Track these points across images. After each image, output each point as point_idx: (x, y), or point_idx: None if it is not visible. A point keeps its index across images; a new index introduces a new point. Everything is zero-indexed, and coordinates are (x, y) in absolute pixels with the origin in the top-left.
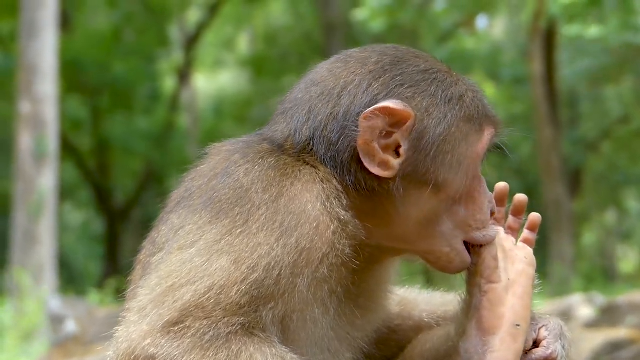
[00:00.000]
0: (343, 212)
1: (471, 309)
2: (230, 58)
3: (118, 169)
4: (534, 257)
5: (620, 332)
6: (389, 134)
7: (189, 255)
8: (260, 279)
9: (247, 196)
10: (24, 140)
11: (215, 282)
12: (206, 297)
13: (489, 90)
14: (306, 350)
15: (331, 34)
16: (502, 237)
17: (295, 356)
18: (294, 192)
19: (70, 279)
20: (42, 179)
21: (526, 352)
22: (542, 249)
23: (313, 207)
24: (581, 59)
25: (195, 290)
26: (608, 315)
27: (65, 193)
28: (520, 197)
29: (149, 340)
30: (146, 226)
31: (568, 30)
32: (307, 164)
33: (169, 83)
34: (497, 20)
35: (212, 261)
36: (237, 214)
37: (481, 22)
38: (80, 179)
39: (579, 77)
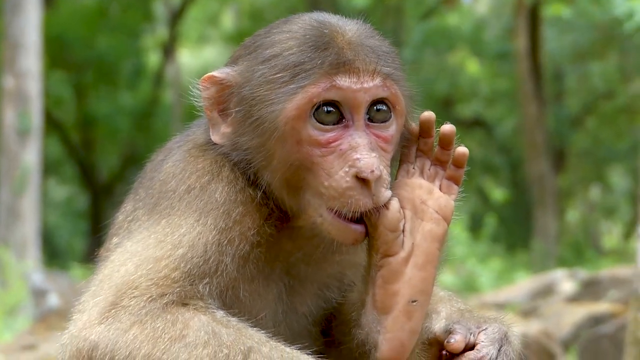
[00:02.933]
0: (252, 192)
1: (369, 283)
2: (215, 33)
3: (102, 145)
4: (451, 205)
5: (602, 306)
6: (226, 103)
7: (124, 247)
8: (187, 255)
9: (169, 189)
10: (8, 116)
11: (143, 260)
12: (137, 275)
13: (473, 66)
14: (255, 312)
15: (316, 10)
16: (414, 184)
17: (232, 319)
18: (203, 183)
19: (54, 255)
20: (25, 154)
21: (459, 354)
22: (526, 224)
23: (220, 194)
24: (566, 35)
25: (126, 271)
26: (590, 290)
27: (49, 168)
28: (447, 127)
29: (88, 330)
30: None
31: (547, 10)
32: (209, 153)
33: (153, 58)
34: None
35: (140, 244)
36: (164, 207)
37: None
38: (64, 154)
39: (563, 53)
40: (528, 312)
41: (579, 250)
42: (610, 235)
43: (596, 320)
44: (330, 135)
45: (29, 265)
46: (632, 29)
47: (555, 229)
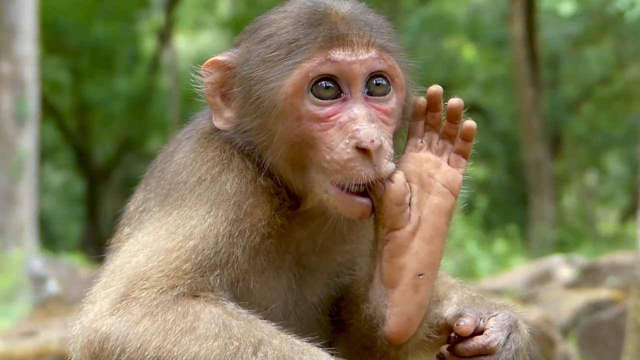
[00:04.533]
0: (263, 182)
1: (376, 258)
2: (211, 19)
3: (98, 131)
4: (459, 179)
5: (600, 293)
6: (229, 87)
7: (135, 238)
8: (198, 247)
9: (181, 181)
10: (4, 101)
11: (154, 252)
12: (148, 266)
13: (470, 52)
14: (266, 303)
15: None
16: (422, 158)
17: (243, 311)
18: (214, 174)
19: (51, 240)
20: (22, 140)
21: (467, 338)
22: (522, 210)
23: (231, 185)
24: (562, 22)
25: (137, 262)
26: (589, 276)
27: (45, 154)
28: (454, 101)
29: (99, 321)
30: (127, 187)
31: (543, 3)
32: (218, 142)
33: (149, 44)
34: None
35: (152, 236)
36: (176, 198)
37: None
38: (61, 140)
39: (560, 39)
40: (527, 299)
41: (576, 236)
42: (607, 221)
43: (595, 307)
44: (329, 109)
45: (26, 251)
46: (633, 19)
47: (552, 215)
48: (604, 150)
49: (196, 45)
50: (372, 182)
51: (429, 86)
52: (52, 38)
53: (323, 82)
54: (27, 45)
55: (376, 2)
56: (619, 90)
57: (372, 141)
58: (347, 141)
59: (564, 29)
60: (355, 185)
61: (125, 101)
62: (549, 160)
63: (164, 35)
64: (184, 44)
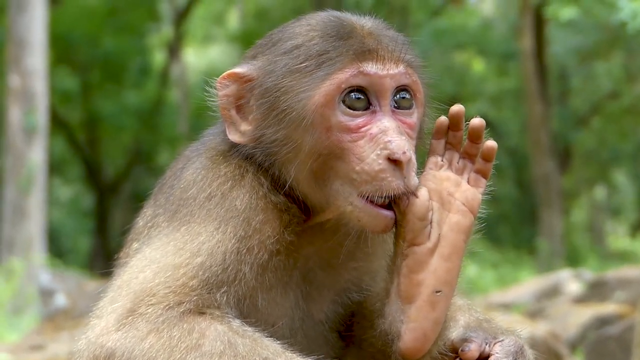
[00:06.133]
0: (274, 198)
1: (394, 273)
2: (220, 33)
3: (108, 144)
4: (478, 198)
5: (608, 308)
6: (245, 99)
7: (143, 254)
8: (205, 263)
9: (190, 196)
10: (14, 114)
11: (161, 268)
12: (155, 282)
13: (479, 65)
14: (272, 321)
15: (321, 9)
16: (442, 176)
17: (248, 329)
18: (225, 190)
19: (60, 254)
20: (31, 153)
21: None
22: (531, 224)
23: (241, 201)
24: (571, 35)
25: (144, 278)
26: (597, 291)
27: (54, 167)
28: (476, 121)
29: (105, 337)
30: (136, 201)
31: (546, 11)
32: (232, 158)
33: (158, 58)
34: None
35: (159, 251)
36: (184, 214)
37: None
38: (70, 153)
39: (569, 53)
40: (534, 313)
41: (584, 250)
42: (616, 235)
43: (603, 322)
44: (359, 120)
45: (35, 265)
46: (635, 30)
47: (561, 229)
48: (613, 165)
49: (205, 59)
50: (399, 194)
51: (440, 100)
52: (62, 51)
53: (354, 93)
54: (37, 58)
55: (385, 15)
56: (628, 104)
57: (404, 153)
58: (379, 152)
59: (573, 43)
60: (383, 197)
61: (135, 114)
62: (557, 175)
63: (174, 49)
64: (193, 57)
